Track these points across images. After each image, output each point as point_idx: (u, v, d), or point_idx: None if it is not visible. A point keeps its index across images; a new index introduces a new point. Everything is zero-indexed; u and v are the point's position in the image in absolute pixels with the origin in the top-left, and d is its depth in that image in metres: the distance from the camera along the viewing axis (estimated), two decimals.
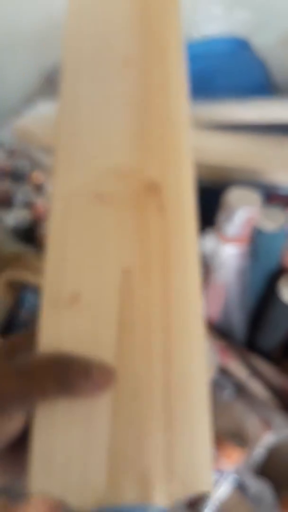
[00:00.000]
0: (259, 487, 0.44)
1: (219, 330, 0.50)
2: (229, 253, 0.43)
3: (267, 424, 0.47)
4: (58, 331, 0.23)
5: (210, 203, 0.45)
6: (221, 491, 0.44)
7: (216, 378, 0.47)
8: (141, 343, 0.23)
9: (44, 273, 0.24)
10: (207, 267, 0.46)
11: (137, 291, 0.24)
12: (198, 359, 0.23)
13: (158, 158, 0.28)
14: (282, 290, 0.45)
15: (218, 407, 0.47)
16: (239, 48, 0.75)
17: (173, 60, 0.34)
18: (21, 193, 0.64)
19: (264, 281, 0.47)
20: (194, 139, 0.64)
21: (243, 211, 0.40)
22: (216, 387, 0.48)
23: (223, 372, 0.48)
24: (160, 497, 0.21)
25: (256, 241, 0.44)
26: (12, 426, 0.21)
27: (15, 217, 0.63)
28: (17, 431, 0.21)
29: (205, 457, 0.22)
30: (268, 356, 0.51)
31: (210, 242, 0.43)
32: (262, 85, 0.72)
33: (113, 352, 0.23)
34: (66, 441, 0.21)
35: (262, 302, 0.48)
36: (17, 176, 0.68)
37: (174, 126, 0.30)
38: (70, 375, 0.21)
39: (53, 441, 0.21)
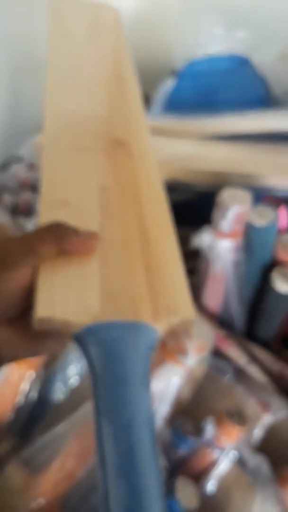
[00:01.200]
0: (257, 461, 0.47)
1: (219, 321, 0.54)
2: (224, 247, 0.47)
3: (266, 406, 0.50)
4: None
5: (210, 205, 0.50)
6: (222, 466, 0.47)
7: (217, 364, 0.51)
8: (121, 221, 0.31)
9: (40, 187, 0.32)
10: (206, 260, 0.51)
11: (114, 198, 0.33)
12: (166, 226, 0.32)
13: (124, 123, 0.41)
14: (275, 281, 0.49)
15: (219, 390, 0.51)
16: (240, 65, 0.80)
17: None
18: None
19: (259, 273, 0.51)
20: (197, 148, 0.69)
21: (235, 208, 0.45)
22: (218, 371, 0.51)
23: (224, 358, 0.52)
24: (147, 314, 0.26)
25: (249, 236, 0.48)
26: (20, 276, 0.26)
27: (34, 223, 0.68)
28: (24, 284, 0.26)
29: (183, 291, 0.27)
30: (266, 344, 0.54)
31: (207, 237, 0.48)
32: (262, 99, 0.76)
33: (98, 229, 0.30)
34: (65, 280, 0.27)
35: (258, 293, 0.52)
36: (36, 187, 0.74)
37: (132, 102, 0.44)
38: (63, 233, 0.27)
39: (54, 280, 0.26)
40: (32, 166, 0.77)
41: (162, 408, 0.41)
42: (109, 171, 0.35)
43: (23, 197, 0.72)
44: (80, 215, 0.31)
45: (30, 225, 0.68)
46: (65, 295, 0.26)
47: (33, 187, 0.74)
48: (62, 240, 0.27)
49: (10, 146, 1.02)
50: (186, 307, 0.27)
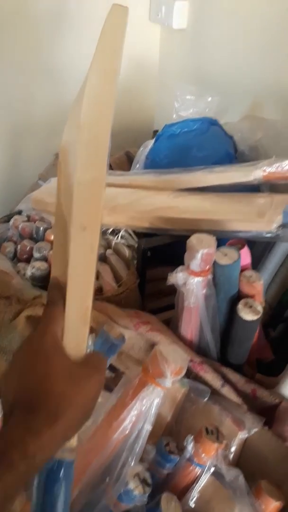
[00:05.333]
0: (234, 475, 0.50)
1: (196, 348, 0.59)
2: (196, 283, 0.53)
3: (240, 424, 0.53)
4: None
5: (185, 250, 0.55)
6: (203, 481, 0.50)
7: (196, 387, 0.55)
8: None
9: None
10: (181, 295, 0.56)
11: None
12: None
13: None
14: (241, 311, 0.54)
15: (198, 411, 0.55)
16: (210, 126, 0.88)
17: None
18: (38, 248, 0.75)
19: (227, 305, 0.56)
20: (173, 200, 0.76)
21: (202, 251, 0.51)
22: (197, 394, 0.55)
23: (201, 382, 0.56)
24: None
25: (217, 273, 0.54)
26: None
27: (33, 266, 0.73)
28: None
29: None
30: (238, 367, 0.58)
31: (181, 275, 0.54)
32: (229, 154, 0.84)
33: None
34: None
35: (228, 322, 0.57)
36: (34, 236, 0.79)
37: None
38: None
39: None
40: (30, 218, 0.83)
41: (145, 427, 0.45)
42: None
43: (23, 245, 0.77)
44: None
45: (29, 270, 0.73)
46: None
47: (32, 236, 0.80)
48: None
49: (10, 200, 1.09)
50: None
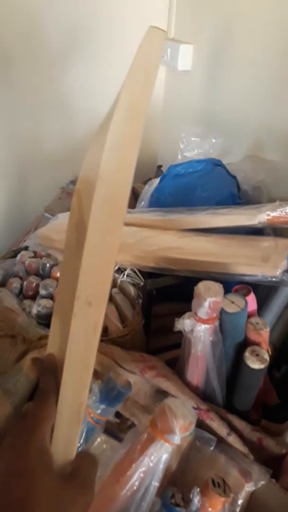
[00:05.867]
0: None
1: (201, 394, 0.58)
2: (203, 330, 0.53)
3: (247, 475, 0.52)
4: None
5: (191, 288, 0.55)
6: None
7: (202, 435, 0.54)
8: None
9: None
10: (188, 341, 0.56)
11: None
12: None
13: None
14: (248, 359, 0.54)
15: (204, 460, 0.53)
16: (214, 166, 0.90)
17: None
18: (44, 286, 0.75)
19: (234, 352, 0.56)
20: (178, 241, 0.76)
21: (210, 299, 0.51)
22: (203, 442, 0.54)
23: (207, 429, 0.55)
24: None
25: (224, 320, 0.54)
26: None
27: (39, 304, 0.73)
28: None
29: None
30: (244, 414, 0.58)
31: (188, 322, 0.54)
32: (233, 195, 0.86)
33: None
34: None
35: (234, 369, 0.57)
36: (41, 273, 0.80)
37: None
38: None
39: None
40: (36, 254, 0.83)
41: (153, 484, 0.44)
42: None
43: (29, 282, 0.78)
44: None
45: (34, 307, 0.73)
46: None
47: (38, 273, 0.80)
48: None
49: (16, 232, 1.10)
50: None
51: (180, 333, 0.60)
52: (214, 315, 0.53)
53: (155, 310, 0.74)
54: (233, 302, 0.54)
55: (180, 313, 0.81)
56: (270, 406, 0.65)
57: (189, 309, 0.55)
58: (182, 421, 0.42)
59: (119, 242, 0.32)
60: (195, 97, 1.16)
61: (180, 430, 0.41)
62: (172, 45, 1.15)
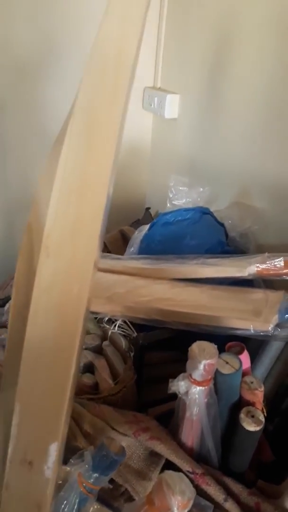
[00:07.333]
0: None
1: (196, 456, 0.56)
2: (198, 392, 0.52)
3: None
4: None
5: (184, 340, 0.55)
6: None
7: (199, 502, 0.52)
8: None
9: None
10: (183, 403, 0.54)
11: None
12: None
13: None
14: (243, 420, 0.53)
15: None
16: (202, 215, 0.92)
17: None
18: None
19: (229, 413, 0.55)
20: (169, 291, 0.76)
21: (205, 361, 0.50)
22: (199, 508, 0.52)
23: (203, 495, 0.53)
24: None
25: (218, 381, 0.53)
26: None
27: None
28: None
29: None
30: (240, 476, 0.56)
31: (183, 384, 0.52)
32: (221, 243, 0.87)
33: None
34: None
35: (229, 431, 0.56)
36: None
37: None
38: None
39: None
40: None
41: None
42: None
43: None
44: None
45: None
46: None
47: None
48: None
49: (3, 275, 1.08)
50: None
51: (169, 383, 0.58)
52: (209, 377, 0.52)
53: (146, 359, 0.73)
54: (227, 363, 0.54)
55: (170, 361, 0.81)
56: (265, 464, 0.64)
57: (180, 357, 0.54)
58: (180, 498, 0.40)
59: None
60: (181, 144, 1.19)
61: (179, 509, 0.40)
62: (159, 95, 1.19)
